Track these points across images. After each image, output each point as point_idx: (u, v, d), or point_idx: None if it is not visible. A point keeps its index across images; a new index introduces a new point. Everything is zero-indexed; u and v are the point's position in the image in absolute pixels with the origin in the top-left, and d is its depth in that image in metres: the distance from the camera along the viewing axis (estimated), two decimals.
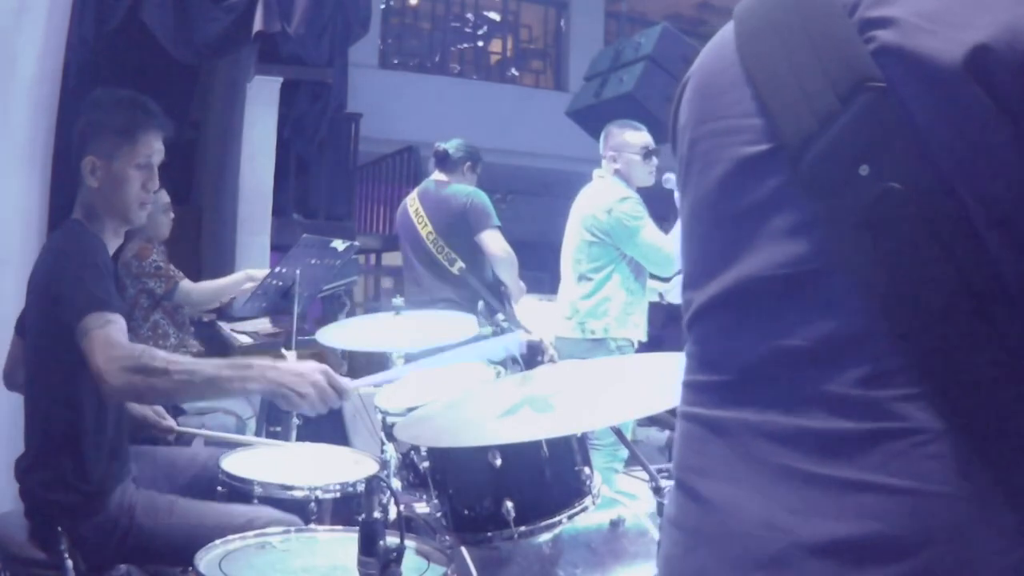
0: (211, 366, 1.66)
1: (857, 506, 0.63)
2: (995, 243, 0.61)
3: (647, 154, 3.41)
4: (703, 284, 0.79)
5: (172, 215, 3.56)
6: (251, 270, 3.32)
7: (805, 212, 0.69)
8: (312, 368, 1.64)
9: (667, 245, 3.27)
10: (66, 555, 1.68)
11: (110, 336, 1.60)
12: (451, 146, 3.73)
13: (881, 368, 0.64)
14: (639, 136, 3.43)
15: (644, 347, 3.38)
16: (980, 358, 0.62)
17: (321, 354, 3.05)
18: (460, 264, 3.55)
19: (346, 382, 1.67)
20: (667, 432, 5.31)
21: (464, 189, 3.62)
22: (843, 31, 0.67)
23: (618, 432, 1.74)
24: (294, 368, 1.64)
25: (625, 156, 3.40)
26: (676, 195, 3.43)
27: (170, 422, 2.29)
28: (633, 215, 3.25)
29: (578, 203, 3.46)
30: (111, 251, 1.87)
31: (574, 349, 3.23)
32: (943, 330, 0.63)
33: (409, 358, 2.37)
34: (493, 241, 3.50)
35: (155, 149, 1.88)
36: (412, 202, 3.75)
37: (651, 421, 4.65)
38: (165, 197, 3.47)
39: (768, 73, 0.72)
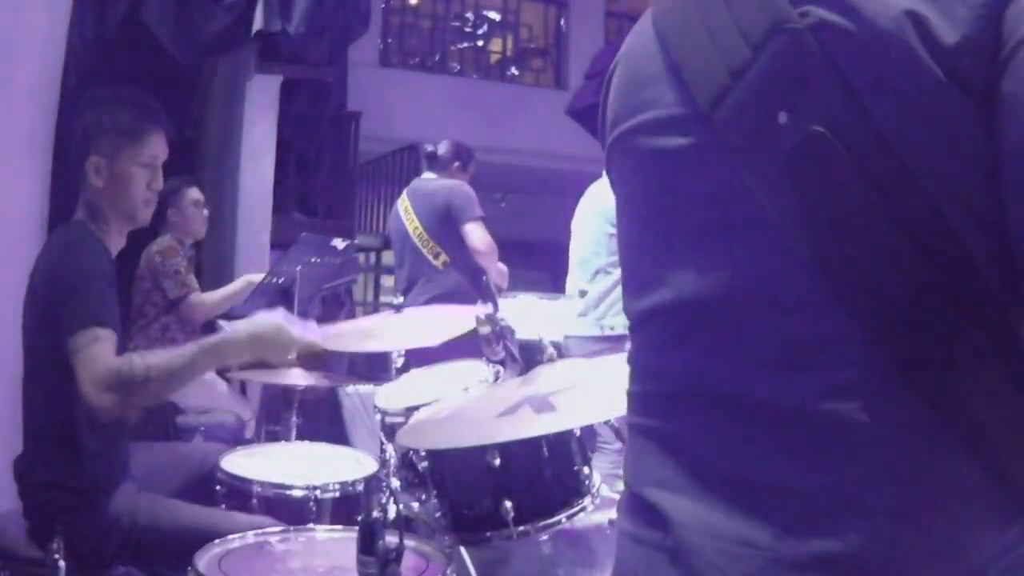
0: (186, 356, 1.68)
1: (838, 522, 0.58)
2: (956, 217, 0.55)
3: None
4: (639, 292, 0.74)
5: (207, 212, 3.46)
6: (251, 276, 3.30)
7: (726, 178, 0.62)
8: (272, 329, 1.71)
9: None
10: (59, 557, 1.67)
11: (95, 357, 1.60)
12: (439, 147, 3.77)
13: (848, 377, 0.58)
14: None
15: None
16: (940, 327, 0.56)
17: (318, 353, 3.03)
18: (444, 257, 3.58)
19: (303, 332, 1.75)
20: None
21: (448, 183, 3.66)
22: None
23: (616, 431, 1.74)
24: (261, 333, 1.71)
25: None
26: None
27: None
28: None
29: (592, 198, 3.43)
30: (114, 252, 1.87)
31: (590, 347, 3.18)
32: (890, 293, 0.57)
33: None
34: (474, 233, 3.52)
35: (159, 147, 1.89)
36: (403, 201, 3.81)
37: None
38: (196, 193, 3.39)
39: (683, 46, 0.67)
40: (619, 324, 3.19)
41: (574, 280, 3.44)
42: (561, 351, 3.20)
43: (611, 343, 3.17)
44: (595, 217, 3.34)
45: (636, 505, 0.71)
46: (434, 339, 2.29)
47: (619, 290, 2.99)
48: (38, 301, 1.77)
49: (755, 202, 0.61)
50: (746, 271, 0.63)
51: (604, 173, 3.25)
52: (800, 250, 0.59)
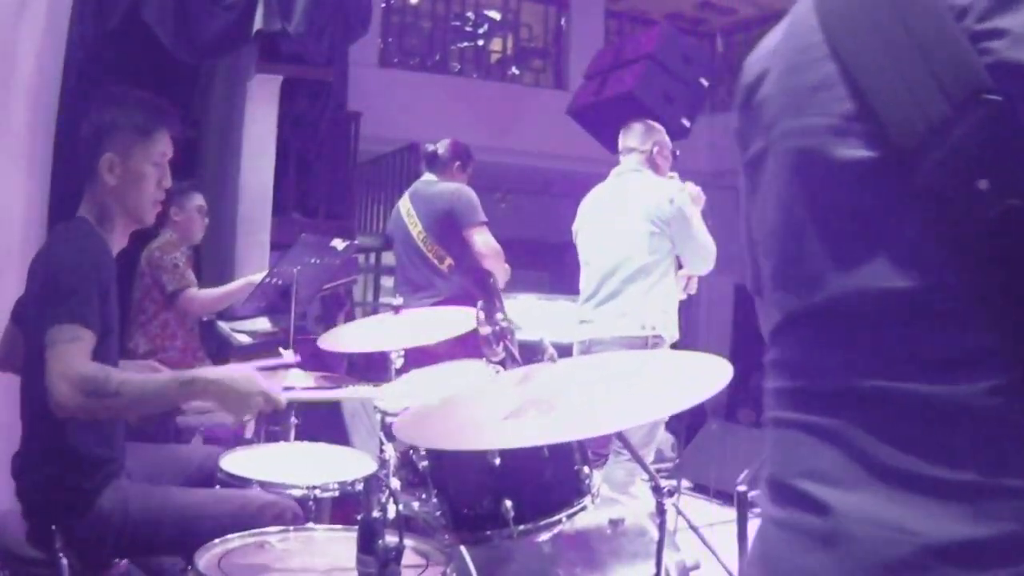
0: (159, 383, 1.68)
1: (989, 509, 0.62)
2: None
3: (676, 155, 3.47)
4: (801, 290, 0.75)
5: (207, 220, 3.50)
6: (251, 276, 3.31)
7: (921, 226, 0.66)
8: (248, 391, 1.66)
9: (710, 240, 3.27)
10: (60, 554, 1.68)
11: (72, 354, 1.60)
12: (439, 146, 3.76)
13: (1002, 381, 0.62)
14: (668, 138, 3.48)
15: None
16: None
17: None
18: (449, 261, 3.57)
19: (281, 398, 1.72)
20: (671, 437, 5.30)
21: (450, 187, 3.65)
22: (952, 36, 0.63)
23: (620, 435, 1.74)
24: (236, 388, 1.66)
25: (664, 154, 3.42)
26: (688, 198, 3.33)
27: None
28: (689, 205, 3.22)
29: (617, 197, 3.35)
30: (115, 251, 1.87)
31: (629, 346, 3.10)
32: None
33: None
34: (479, 237, 3.51)
35: (168, 145, 1.92)
36: (404, 204, 3.79)
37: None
38: (200, 199, 3.44)
39: (871, 75, 0.68)
40: (660, 324, 3.15)
41: (602, 283, 3.29)
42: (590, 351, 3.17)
43: (652, 343, 3.13)
44: (626, 217, 3.25)
45: (787, 494, 0.74)
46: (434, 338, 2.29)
47: (660, 288, 2.92)
48: (32, 294, 1.77)
49: (946, 263, 0.65)
50: (914, 285, 0.66)
51: (625, 172, 3.15)
52: (980, 313, 0.63)
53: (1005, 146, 0.61)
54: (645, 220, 3.20)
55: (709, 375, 1.46)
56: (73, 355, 1.60)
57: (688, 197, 3.25)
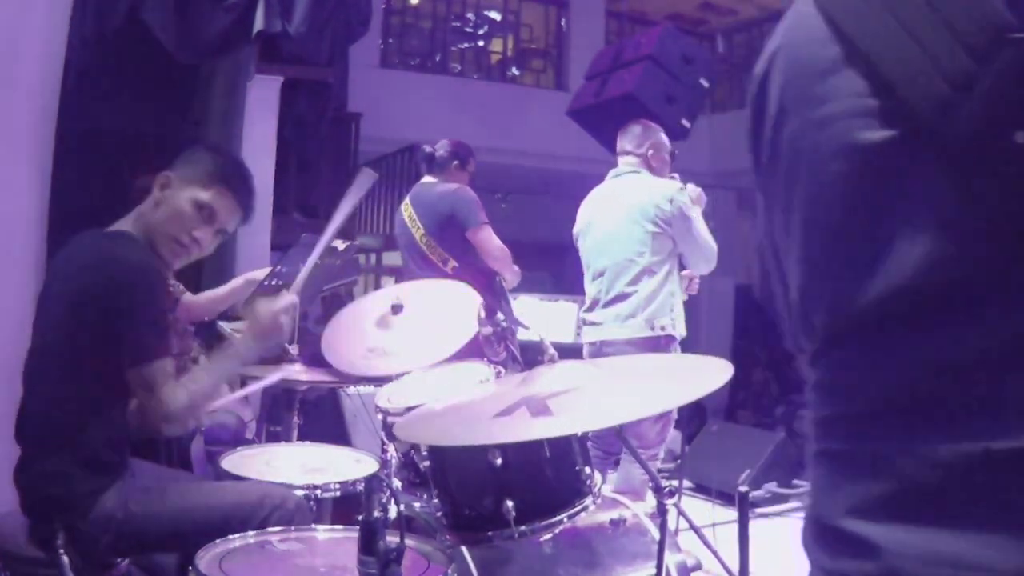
0: (211, 370, 1.89)
1: None
2: None
3: (674, 156, 3.47)
4: (841, 299, 0.67)
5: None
6: (250, 274, 3.30)
7: (953, 201, 0.59)
8: (270, 320, 1.89)
9: (712, 240, 3.28)
10: (62, 553, 1.68)
11: (170, 394, 1.74)
12: (437, 147, 3.75)
13: None
14: (667, 139, 3.48)
15: None
16: None
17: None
18: (453, 263, 3.56)
19: (289, 298, 1.96)
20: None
21: (450, 188, 3.64)
22: None
23: (618, 432, 1.74)
24: (262, 329, 1.89)
25: (661, 156, 3.42)
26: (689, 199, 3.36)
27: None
28: (689, 205, 3.23)
29: (615, 198, 3.35)
30: None
31: (640, 348, 3.13)
32: None
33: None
34: (483, 237, 3.51)
35: (224, 208, 1.93)
36: (406, 208, 3.79)
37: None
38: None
39: (879, 45, 0.62)
40: (668, 323, 3.17)
41: (606, 285, 3.31)
42: (602, 353, 3.18)
43: (661, 343, 3.15)
44: (626, 218, 3.26)
45: (834, 538, 0.67)
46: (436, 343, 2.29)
47: (667, 289, 2.93)
48: (76, 302, 1.75)
49: (971, 205, 0.59)
50: (960, 272, 0.60)
51: (623, 173, 3.16)
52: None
53: None
54: (647, 221, 3.21)
55: (710, 374, 1.46)
56: (171, 394, 1.73)
57: (688, 197, 3.26)
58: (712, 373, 1.50)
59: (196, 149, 1.97)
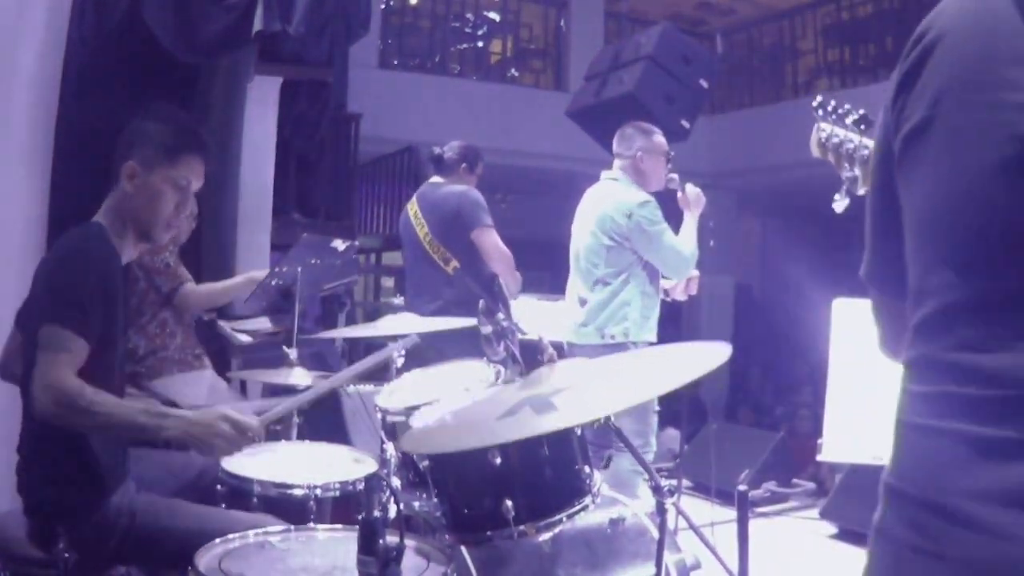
0: (130, 411, 1.70)
1: None
2: None
3: (669, 158, 3.46)
4: (982, 273, 0.67)
5: (195, 224, 3.50)
6: (253, 273, 3.30)
7: None
8: (214, 419, 1.69)
9: (685, 248, 3.28)
10: (64, 554, 1.68)
11: (58, 364, 1.62)
12: (445, 149, 3.77)
13: None
14: (663, 139, 3.48)
15: None
16: None
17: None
18: (455, 264, 3.57)
19: (251, 420, 1.73)
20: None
21: (456, 189, 3.65)
22: None
23: (617, 430, 1.74)
24: (201, 420, 1.69)
25: (654, 158, 3.42)
26: (681, 193, 3.39)
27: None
28: (654, 219, 3.25)
29: (589, 205, 3.43)
30: (124, 260, 1.87)
31: (592, 355, 3.18)
32: None
33: None
34: (486, 239, 3.52)
35: (195, 173, 1.90)
36: (411, 206, 3.80)
37: (665, 421, 4.63)
38: (195, 206, 3.44)
39: None
40: (619, 332, 3.23)
41: (574, 287, 3.44)
42: (564, 354, 3.21)
43: (613, 351, 3.16)
44: (591, 227, 3.35)
45: (932, 515, 0.66)
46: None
47: (619, 299, 2.98)
48: (35, 295, 1.76)
49: None
50: None
51: (603, 178, 3.18)
52: None
53: None
54: (603, 233, 3.29)
55: (701, 358, 1.47)
56: (59, 364, 1.62)
57: (653, 210, 3.26)
58: (710, 355, 1.51)
59: (138, 125, 1.88)
